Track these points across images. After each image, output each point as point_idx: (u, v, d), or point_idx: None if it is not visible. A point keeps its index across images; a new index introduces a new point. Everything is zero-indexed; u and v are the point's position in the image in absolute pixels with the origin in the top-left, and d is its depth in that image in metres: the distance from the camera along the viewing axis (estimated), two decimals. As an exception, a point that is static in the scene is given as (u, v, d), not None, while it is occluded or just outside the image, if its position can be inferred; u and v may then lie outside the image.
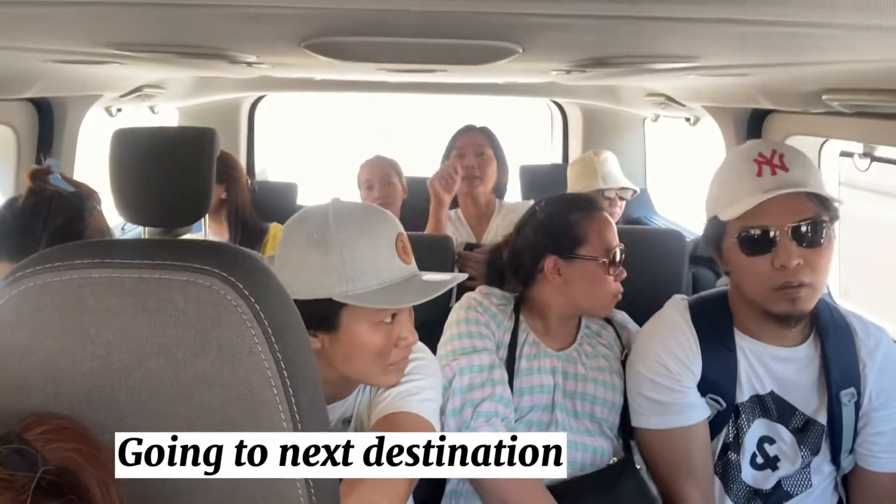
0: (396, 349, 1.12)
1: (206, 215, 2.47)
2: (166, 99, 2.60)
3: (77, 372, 0.50)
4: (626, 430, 1.59)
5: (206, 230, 2.09)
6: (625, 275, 1.58)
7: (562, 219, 1.59)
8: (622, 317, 1.72)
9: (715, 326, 1.47)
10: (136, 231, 2.55)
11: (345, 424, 1.19)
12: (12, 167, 1.85)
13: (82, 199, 1.37)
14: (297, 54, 0.99)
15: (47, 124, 1.94)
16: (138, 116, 2.72)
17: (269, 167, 3.76)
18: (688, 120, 2.59)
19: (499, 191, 2.60)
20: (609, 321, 1.69)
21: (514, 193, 3.15)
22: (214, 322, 0.50)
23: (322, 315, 1.08)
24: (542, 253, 1.58)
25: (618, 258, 1.56)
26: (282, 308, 0.53)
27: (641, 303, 1.77)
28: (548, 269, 1.57)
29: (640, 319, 1.72)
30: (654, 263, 1.89)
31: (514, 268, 1.68)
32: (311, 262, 1.08)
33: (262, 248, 2.54)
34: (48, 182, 1.33)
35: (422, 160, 3.62)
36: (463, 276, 1.22)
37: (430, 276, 1.16)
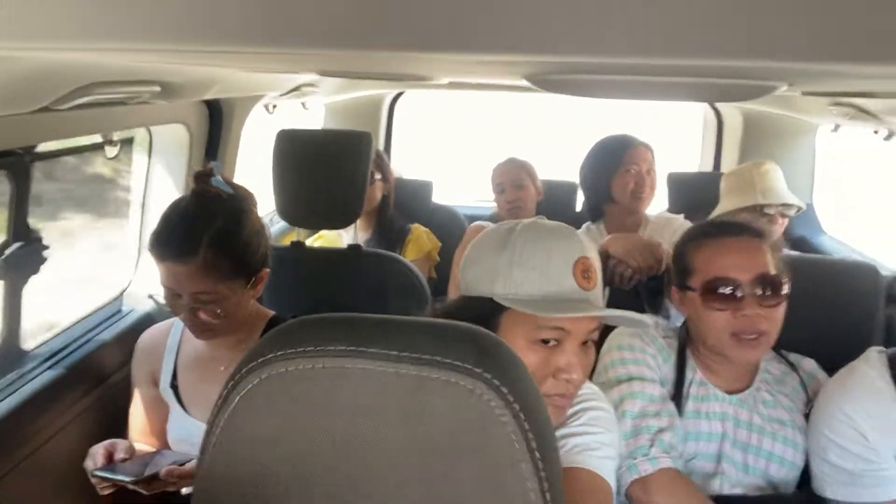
0: (554, 380, 1.02)
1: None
2: (318, 96, 2.65)
3: (327, 472, 0.45)
4: (802, 492, 1.42)
5: (357, 230, 2.10)
6: (750, 311, 1.31)
7: (680, 247, 1.47)
8: (811, 365, 1.52)
9: None
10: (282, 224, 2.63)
11: None
12: (184, 164, 1.94)
13: (240, 201, 1.40)
14: (513, 84, 0.92)
15: (216, 123, 2.01)
16: (290, 111, 2.80)
17: (404, 164, 3.78)
18: (876, 133, 2.29)
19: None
20: (794, 367, 1.51)
21: (660, 202, 2.96)
22: (476, 432, 0.44)
23: (483, 317, 1.03)
24: (670, 282, 1.49)
25: (723, 290, 1.33)
26: (543, 417, 0.46)
27: (824, 349, 1.57)
28: (674, 299, 1.46)
29: (823, 366, 1.53)
30: (840, 302, 1.66)
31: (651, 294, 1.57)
32: (485, 260, 1.07)
33: (402, 248, 2.54)
34: (210, 184, 1.37)
35: (561, 162, 3.47)
36: (647, 321, 1.11)
37: (609, 312, 1.06)
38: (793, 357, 1.52)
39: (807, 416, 1.43)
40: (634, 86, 0.73)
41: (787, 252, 2.33)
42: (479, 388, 0.44)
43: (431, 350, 0.45)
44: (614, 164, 2.28)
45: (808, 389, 1.47)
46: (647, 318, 1.11)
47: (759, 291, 1.33)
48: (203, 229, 1.30)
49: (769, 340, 1.36)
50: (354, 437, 0.45)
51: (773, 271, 1.36)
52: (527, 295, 1.02)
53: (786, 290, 1.36)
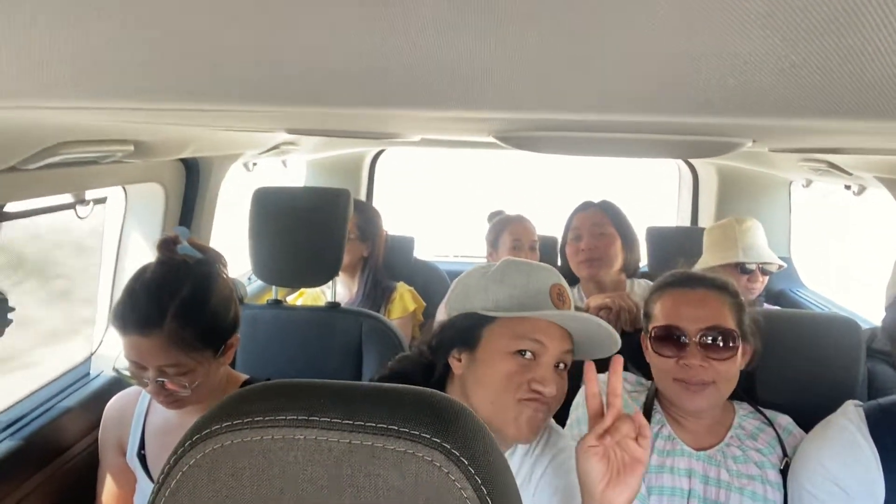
0: (528, 389, 1.09)
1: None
2: (298, 153, 2.66)
3: (274, 555, 0.42)
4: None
5: (336, 286, 2.07)
6: (694, 361, 1.32)
7: (648, 296, 1.51)
8: (786, 420, 1.50)
9: None
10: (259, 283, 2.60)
11: None
12: (159, 221, 1.91)
13: (209, 265, 1.35)
14: (482, 142, 0.93)
15: (193, 181, 2.00)
16: (269, 169, 2.81)
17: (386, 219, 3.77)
18: (848, 188, 2.33)
19: (628, 269, 2.36)
20: (770, 422, 1.48)
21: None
22: (435, 508, 0.41)
23: (467, 330, 1.13)
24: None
25: (668, 337, 1.36)
26: (510, 490, 0.43)
27: (804, 402, 1.55)
28: (644, 349, 1.46)
29: (804, 420, 1.51)
30: (820, 356, 1.65)
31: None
32: (472, 282, 1.18)
33: (387, 306, 2.50)
34: (175, 252, 1.31)
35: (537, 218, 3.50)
36: (617, 343, 1.16)
37: (574, 313, 1.14)
38: (769, 413, 1.51)
39: (783, 472, 1.40)
40: (599, 143, 0.73)
41: (768, 307, 2.33)
42: (438, 459, 0.42)
43: (387, 418, 0.43)
44: (566, 230, 2.43)
45: (785, 444, 1.45)
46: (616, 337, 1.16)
47: (705, 341, 1.35)
48: (168, 300, 1.23)
49: (717, 391, 1.36)
50: (304, 514, 0.42)
51: (726, 324, 1.37)
52: (506, 308, 1.11)
53: (737, 343, 1.36)
